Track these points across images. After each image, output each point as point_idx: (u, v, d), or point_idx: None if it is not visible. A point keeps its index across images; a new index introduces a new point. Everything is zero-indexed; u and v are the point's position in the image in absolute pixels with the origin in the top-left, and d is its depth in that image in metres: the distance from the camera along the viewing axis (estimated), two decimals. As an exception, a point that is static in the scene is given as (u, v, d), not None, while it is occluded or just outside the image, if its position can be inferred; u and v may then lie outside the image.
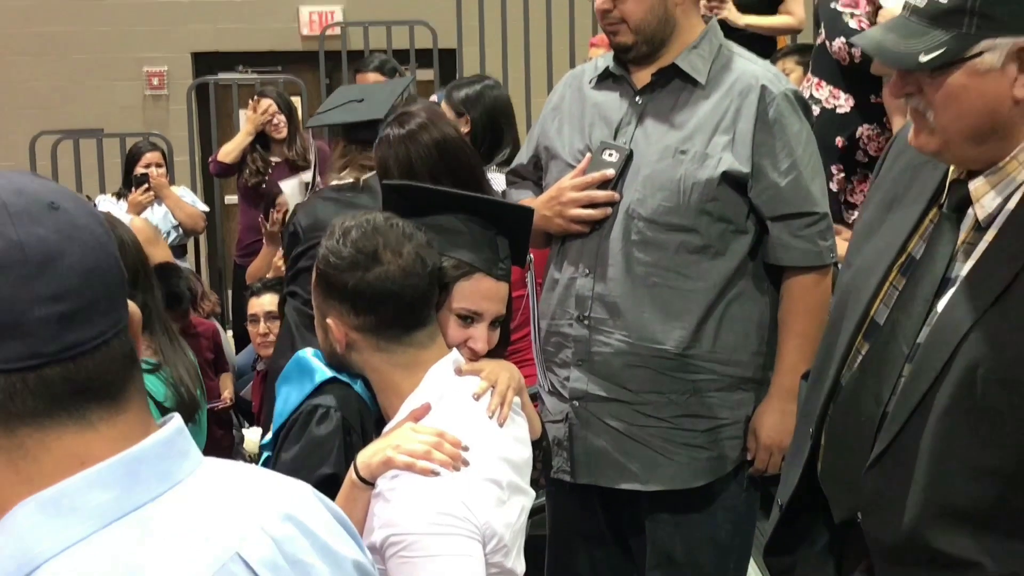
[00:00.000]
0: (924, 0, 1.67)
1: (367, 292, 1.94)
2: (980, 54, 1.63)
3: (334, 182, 3.60)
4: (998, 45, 1.63)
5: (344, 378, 2.05)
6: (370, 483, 1.85)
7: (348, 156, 3.61)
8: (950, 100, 1.66)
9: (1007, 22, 1.62)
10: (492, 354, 2.14)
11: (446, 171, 2.81)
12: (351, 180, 3.53)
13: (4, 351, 0.90)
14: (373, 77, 4.89)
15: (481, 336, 2.08)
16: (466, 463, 1.85)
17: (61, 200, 0.95)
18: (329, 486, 1.84)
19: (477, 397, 1.99)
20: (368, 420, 2.05)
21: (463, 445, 1.87)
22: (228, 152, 6.13)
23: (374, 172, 3.47)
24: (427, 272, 1.97)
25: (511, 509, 1.92)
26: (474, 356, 2.08)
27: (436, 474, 1.81)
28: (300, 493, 1.08)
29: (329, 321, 1.99)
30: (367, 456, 1.86)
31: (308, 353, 2.12)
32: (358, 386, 2.06)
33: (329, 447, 1.98)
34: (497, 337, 2.14)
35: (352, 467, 1.87)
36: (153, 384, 2.32)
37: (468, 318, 2.08)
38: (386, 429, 1.96)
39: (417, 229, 2.01)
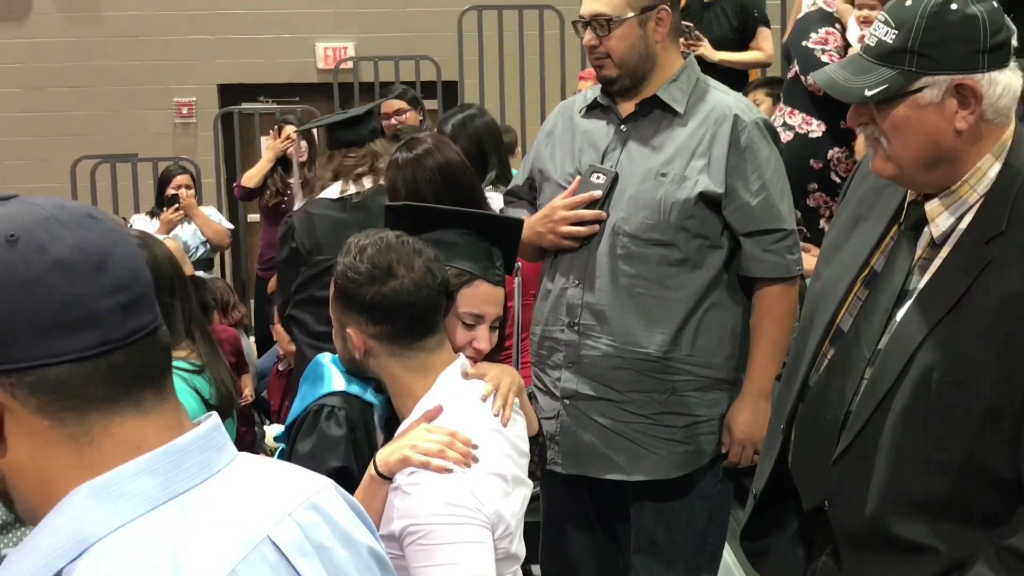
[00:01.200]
0: (874, 40, 1.69)
1: (384, 304, 1.94)
2: (921, 89, 1.65)
3: (326, 194, 3.54)
4: (937, 82, 1.64)
5: (354, 388, 2.06)
6: (388, 478, 1.86)
7: (335, 161, 3.57)
8: (896, 130, 1.68)
9: (944, 61, 1.63)
10: (490, 356, 2.15)
11: (447, 192, 2.81)
12: (351, 192, 3.48)
13: (81, 340, 0.92)
14: (397, 104, 4.89)
15: (484, 337, 2.10)
16: (476, 459, 1.86)
17: (94, 212, 0.98)
18: (338, 478, 1.84)
19: (483, 399, 2.00)
20: (372, 420, 2.05)
21: (473, 443, 1.88)
22: (251, 177, 6.14)
23: (371, 187, 3.46)
24: (436, 284, 1.98)
25: (515, 499, 1.94)
26: (478, 355, 2.09)
27: (449, 471, 1.82)
28: (323, 485, 1.08)
29: (349, 331, 1.99)
30: (386, 454, 1.87)
31: (326, 359, 2.12)
32: (368, 394, 2.06)
33: (337, 443, 1.99)
34: (497, 338, 2.15)
35: (372, 463, 1.88)
36: (201, 384, 2.33)
37: (472, 322, 2.09)
38: (401, 428, 1.97)
39: (425, 245, 2.01)
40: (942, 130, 1.66)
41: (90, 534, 0.90)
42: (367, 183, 3.48)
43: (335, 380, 2.06)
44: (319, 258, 3.39)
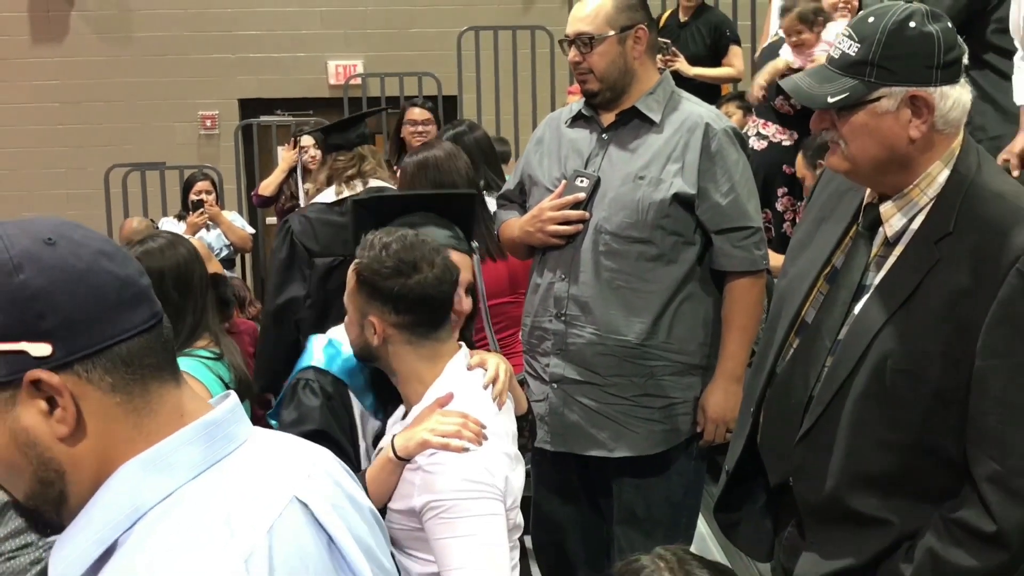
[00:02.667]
0: (838, 52, 1.68)
1: (409, 296, 1.94)
2: (879, 99, 1.63)
3: (321, 198, 3.49)
4: (894, 92, 1.63)
5: (328, 365, 2.08)
6: (405, 459, 1.87)
7: (328, 164, 3.54)
8: (854, 135, 1.66)
9: (901, 74, 1.62)
10: (464, 330, 2.19)
11: None
12: (346, 195, 3.44)
13: (141, 314, 0.94)
14: (419, 112, 4.87)
15: (461, 298, 2.13)
16: (487, 439, 1.88)
17: None
18: (318, 440, 1.85)
19: (485, 386, 2.00)
20: (346, 394, 2.08)
21: (483, 424, 1.89)
22: (267, 186, 6.15)
23: (363, 191, 3.42)
24: (452, 279, 1.99)
25: (519, 473, 1.97)
26: (459, 316, 2.12)
27: (467, 451, 1.83)
28: (326, 454, 1.10)
29: (372, 319, 1.97)
30: (404, 439, 1.89)
31: (315, 340, 2.13)
32: (336, 367, 2.07)
33: (313, 410, 2.03)
34: (471, 303, 2.19)
35: (389, 447, 1.90)
36: (221, 370, 2.34)
37: None
38: (414, 412, 1.98)
39: (438, 245, 2.01)
40: (896, 136, 1.64)
41: (143, 503, 0.91)
42: (358, 185, 3.44)
43: (314, 356, 2.08)
44: (321, 261, 3.33)
